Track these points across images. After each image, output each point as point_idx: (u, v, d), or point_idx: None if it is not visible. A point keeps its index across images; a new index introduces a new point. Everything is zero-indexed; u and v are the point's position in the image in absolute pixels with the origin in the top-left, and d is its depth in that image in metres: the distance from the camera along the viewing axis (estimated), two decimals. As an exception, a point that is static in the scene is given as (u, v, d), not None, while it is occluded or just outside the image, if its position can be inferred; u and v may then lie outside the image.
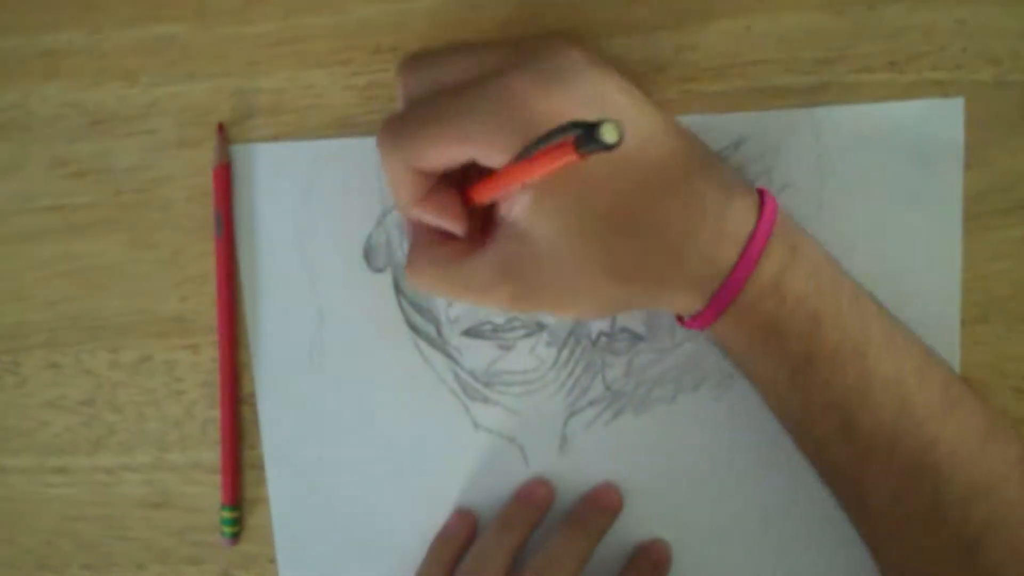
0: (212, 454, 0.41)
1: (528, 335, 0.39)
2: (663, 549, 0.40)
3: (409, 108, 0.33)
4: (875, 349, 0.32)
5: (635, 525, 0.40)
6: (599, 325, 0.39)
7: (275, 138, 0.38)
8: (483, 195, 0.32)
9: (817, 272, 0.33)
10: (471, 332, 0.39)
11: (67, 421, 0.41)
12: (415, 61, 0.33)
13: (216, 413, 0.41)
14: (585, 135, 0.24)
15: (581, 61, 0.31)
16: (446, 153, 0.31)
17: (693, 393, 0.39)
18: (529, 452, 0.40)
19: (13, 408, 0.42)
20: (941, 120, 0.37)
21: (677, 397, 0.39)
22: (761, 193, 0.33)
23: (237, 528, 0.41)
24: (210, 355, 0.40)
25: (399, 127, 0.32)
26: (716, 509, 0.40)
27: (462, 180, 0.33)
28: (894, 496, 0.33)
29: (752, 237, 0.31)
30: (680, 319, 0.35)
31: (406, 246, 0.39)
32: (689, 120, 0.37)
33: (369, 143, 0.38)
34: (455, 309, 0.39)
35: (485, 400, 0.40)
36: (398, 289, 0.39)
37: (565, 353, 0.39)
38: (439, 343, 0.40)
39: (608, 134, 0.24)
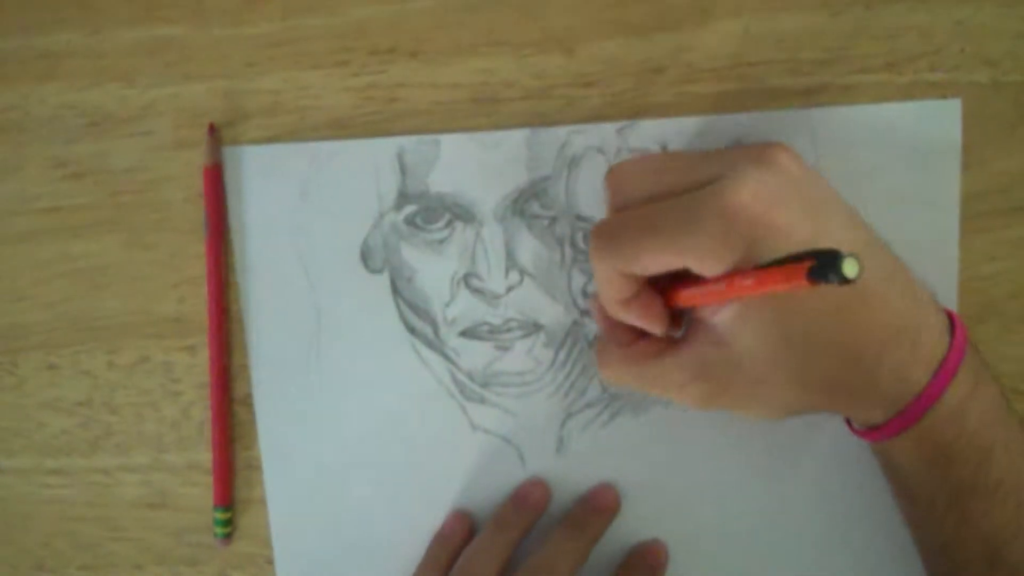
0: (209, 455, 0.41)
1: (526, 336, 0.39)
2: (660, 550, 0.40)
3: (623, 215, 0.33)
4: None
5: (632, 526, 0.40)
6: (596, 327, 0.39)
7: (273, 139, 0.39)
8: (691, 301, 0.33)
9: (995, 403, 0.33)
10: (468, 333, 0.39)
11: (64, 422, 0.41)
12: (626, 167, 0.34)
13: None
14: (821, 265, 0.24)
15: (798, 174, 0.31)
16: (661, 262, 0.31)
17: (691, 394, 0.39)
18: (526, 453, 0.40)
19: (10, 409, 0.42)
20: (939, 121, 0.37)
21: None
22: (951, 316, 0.33)
23: (229, 529, 0.41)
24: (207, 356, 0.40)
25: (613, 232, 0.32)
26: (713, 510, 0.40)
27: (662, 278, 0.33)
28: None
29: (944, 361, 0.32)
30: (850, 424, 0.35)
31: (405, 248, 0.39)
32: (687, 122, 0.37)
33: (367, 144, 0.38)
34: (452, 310, 0.39)
35: (482, 401, 0.40)
36: (395, 290, 0.39)
37: (563, 354, 0.39)
38: (436, 344, 0.40)
39: (849, 269, 0.24)
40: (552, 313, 0.39)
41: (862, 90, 0.37)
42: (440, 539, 0.40)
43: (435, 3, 0.37)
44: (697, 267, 0.31)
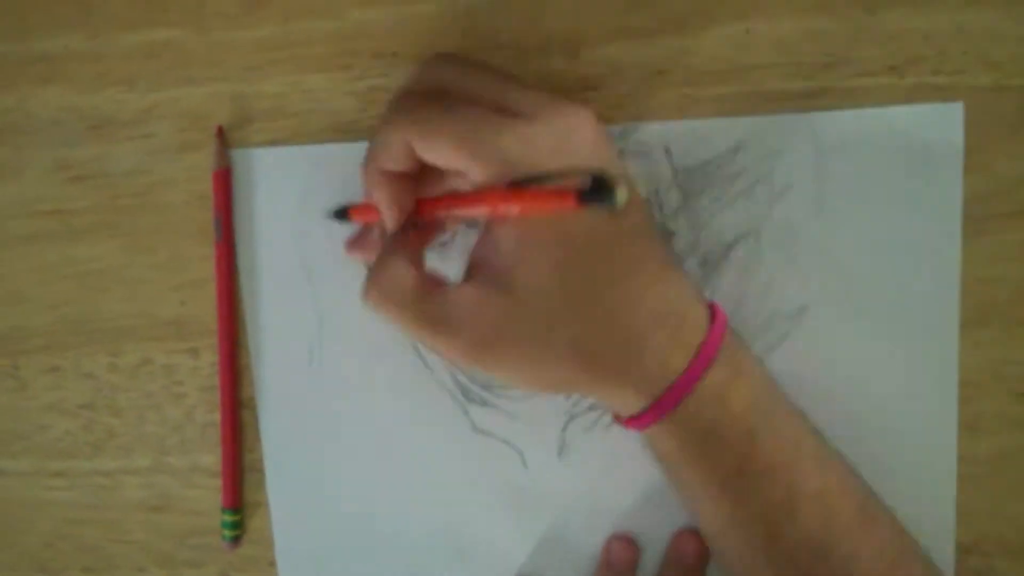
0: (212, 457, 0.41)
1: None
2: (697, 543, 0.39)
3: (429, 95, 0.32)
4: (805, 464, 0.33)
5: (634, 530, 0.40)
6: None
7: (274, 143, 0.38)
8: (451, 205, 0.32)
9: (757, 389, 0.34)
10: (471, 336, 0.39)
11: (67, 425, 0.41)
12: (450, 57, 0.34)
13: (216, 416, 0.41)
14: (593, 189, 0.25)
15: (592, 131, 0.32)
16: (450, 155, 0.31)
17: (692, 396, 0.39)
18: (528, 456, 0.40)
19: (13, 412, 0.42)
20: (941, 125, 0.37)
21: (676, 400, 0.39)
22: (713, 307, 0.34)
23: (238, 531, 0.41)
24: (209, 359, 0.40)
25: (421, 107, 0.32)
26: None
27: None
28: None
29: (702, 347, 0.32)
30: (617, 417, 0.35)
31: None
32: (689, 125, 0.37)
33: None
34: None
35: (484, 404, 0.40)
36: (398, 293, 0.39)
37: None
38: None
39: (620, 195, 0.25)
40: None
41: (864, 94, 0.37)
42: None
43: (437, 7, 0.37)
44: (473, 172, 0.31)
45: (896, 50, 0.37)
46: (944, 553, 0.38)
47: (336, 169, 0.38)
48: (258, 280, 0.40)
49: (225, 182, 0.39)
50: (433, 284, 0.33)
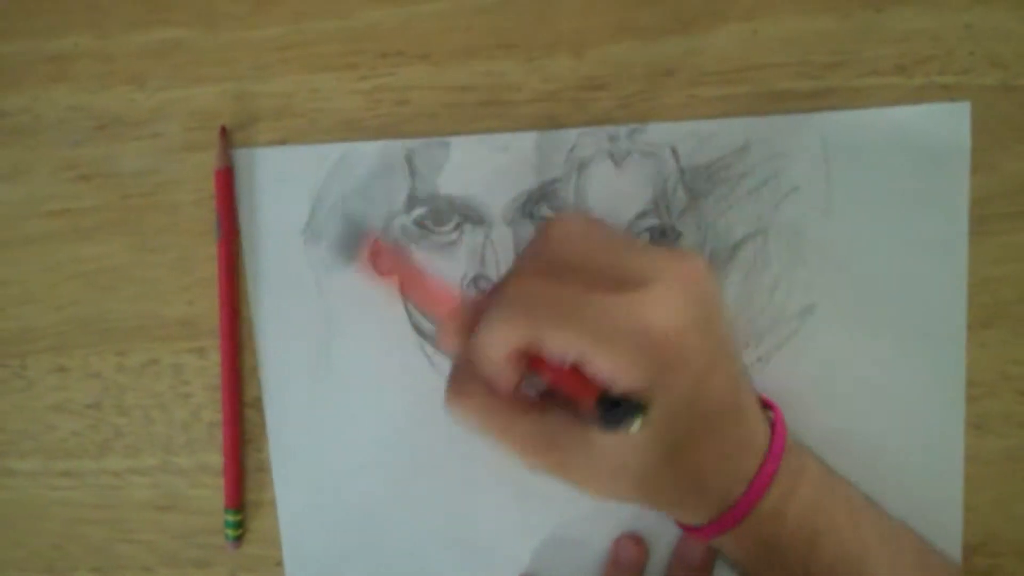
0: (219, 457, 0.41)
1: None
2: (703, 549, 0.39)
3: (545, 286, 0.31)
4: (872, 556, 0.34)
5: (639, 528, 0.40)
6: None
7: (282, 142, 0.39)
8: (549, 375, 0.32)
9: (818, 492, 0.34)
10: (478, 336, 0.39)
11: (74, 424, 0.41)
12: (571, 226, 0.33)
13: (222, 416, 0.41)
14: (611, 419, 0.28)
15: (711, 293, 0.32)
16: (564, 350, 0.30)
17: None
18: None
19: (20, 411, 0.42)
20: (948, 125, 0.37)
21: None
22: (774, 418, 0.34)
23: (240, 531, 0.41)
24: (216, 359, 0.40)
25: (530, 304, 0.31)
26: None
27: None
28: None
29: (763, 466, 0.33)
30: (680, 523, 0.36)
31: (415, 250, 0.39)
32: (696, 125, 0.37)
33: (376, 147, 0.38)
34: (462, 313, 0.39)
35: (491, 403, 0.40)
36: (404, 293, 0.39)
37: (571, 357, 0.39)
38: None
39: (632, 426, 0.28)
40: (560, 315, 0.39)
41: (871, 93, 0.37)
42: None
43: (444, 6, 0.37)
44: (599, 373, 0.30)
45: (904, 50, 0.37)
46: (951, 553, 0.38)
47: (342, 168, 0.38)
48: (264, 279, 0.40)
49: (227, 181, 0.39)
50: (514, 404, 0.33)
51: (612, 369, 0.30)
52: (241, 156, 0.39)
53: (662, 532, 0.40)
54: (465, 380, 0.33)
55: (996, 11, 0.36)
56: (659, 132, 0.37)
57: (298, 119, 0.38)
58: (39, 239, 0.40)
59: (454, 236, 0.39)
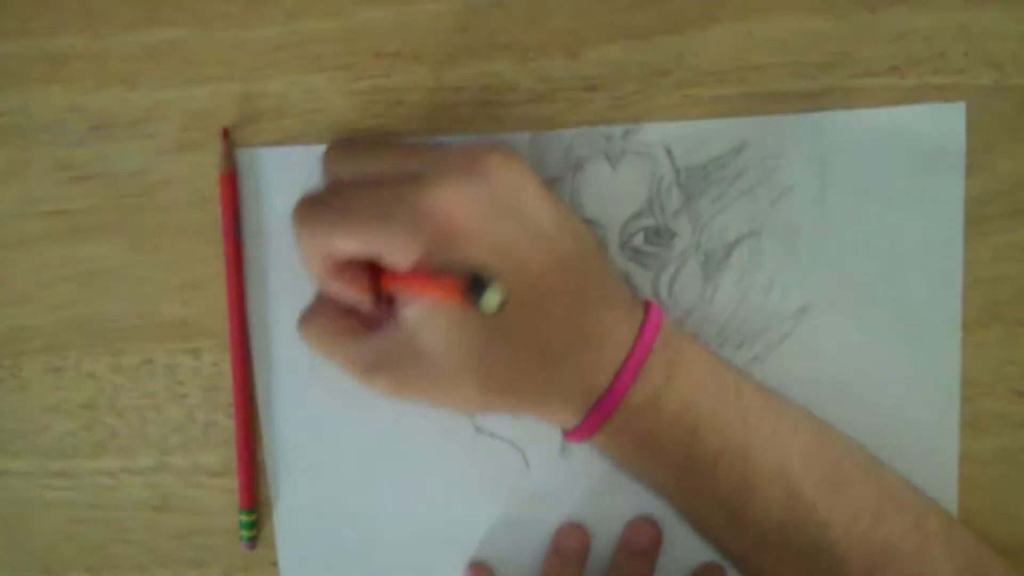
0: (214, 457, 0.41)
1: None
2: (653, 528, 0.40)
3: (328, 193, 0.34)
4: (759, 444, 0.33)
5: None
6: None
7: (276, 143, 0.38)
8: (387, 286, 0.33)
9: (697, 383, 0.34)
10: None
11: (69, 425, 0.41)
12: (340, 147, 0.35)
13: (218, 417, 0.41)
14: (473, 287, 0.25)
15: (506, 182, 0.32)
16: (354, 247, 0.32)
17: (694, 397, 0.39)
18: (530, 456, 0.40)
19: (15, 411, 0.42)
20: (942, 125, 0.37)
21: (678, 401, 0.39)
22: (647, 309, 0.34)
23: (255, 532, 0.41)
24: (211, 359, 0.40)
25: (314, 210, 0.33)
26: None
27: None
28: None
29: (628, 359, 0.32)
30: (564, 431, 0.36)
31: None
32: (690, 125, 0.37)
33: (370, 147, 0.38)
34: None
35: (486, 404, 0.40)
36: (399, 293, 0.39)
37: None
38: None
39: (489, 300, 0.25)
40: (555, 315, 0.39)
41: (866, 94, 0.37)
42: None
43: (439, 7, 0.37)
44: (384, 258, 0.32)
45: (897, 50, 0.37)
46: (946, 553, 0.38)
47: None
48: (260, 279, 0.40)
49: (231, 185, 0.38)
50: (357, 328, 0.35)
51: (389, 247, 0.31)
52: (239, 156, 0.39)
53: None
54: (313, 309, 0.36)
55: (990, 11, 0.36)
56: (654, 132, 0.37)
57: (292, 120, 0.38)
58: (33, 239, 0.40)
59: None
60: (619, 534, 0.40)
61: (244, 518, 0.41)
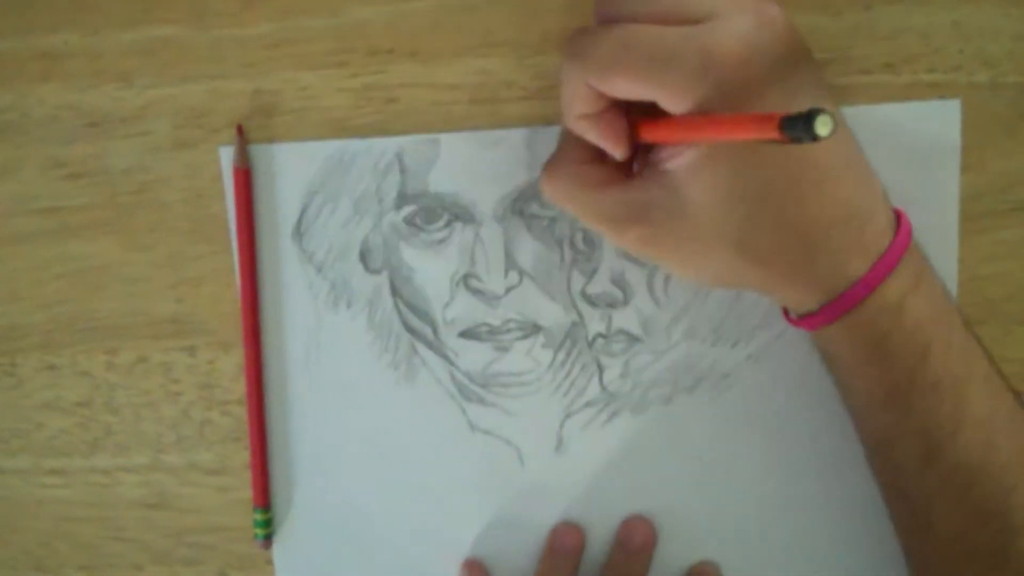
0: (209, 455, 0.41)
1: (525, 337, 0.39)
2: (647, 528, 0.40)
3: (605, 27, 0.31)
4: (976, 386, 0.32)
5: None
6: (595, 327, 0.39)
7: (271, 140, 0.38)
8: (654, 136, 0.32)
9: (937, 301, 0.33)
10: (467, 334, 0.39)
11: (63, 422, 0.41)
12: None
13: (213, 415, 0.41)
14: (796, 120, 0.23)
15: (786, 34, 0.30)
16: (631, 88, 0.30)
17: (689, 394, 0.39)
18: (525, 454, 0.40)
19: (9, 409, 0.42)
20: (938, 122, 0.37)
21: (674, 398, 0.39)
22: (898, 213, 0.33)
23: (270, 530, 0.41)
24: (206, 357, 0.40)
25: (592, 45, 0.31)
26: (712, 509, 0.40)
27: (630, 108, 0.32)
28: (960, 533, 0.33)
29: (885, 254, 0.31)
30: (786, 313, 0.35)
31: (405, 248, 0.39)
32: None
33: (366, 144, 0.38)
34: (451, 311, 0.39)
35: (481, 402, 0.40)
36: (394, 290, 0.39)
37: (562, 355, 0.39)
38: (435, 345, 0.40)
39: (822, 127, 0.23)
40: (551, 314, 0.39)
41: (861, 91, 0.37)
42: None
43: (434, 4, 0.37)
44: (665, 102, 0.30)
45: (893, 48, 0.37)
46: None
47: (333, 165, 0.38)
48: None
49: (245, 181, 0.38)
50: (607, 178, 0.33)
51: (670, 93, 0.29)
52: (231, 154, 0.39)
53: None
54: (557, 161, 0.34)
55: (984, 9, 0.36)
56: (649, 129, 0.37)
57: (287, 117, 0.38)
58: (28, 237, 0.40)
59: (444, 234, 0.39)
60: (614, 532, 0.40)
61: (259, 516, 0.41)
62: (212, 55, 0.38)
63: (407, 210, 0.39)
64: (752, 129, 0.26)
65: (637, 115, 0.32)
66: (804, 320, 0.33)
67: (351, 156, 0.38)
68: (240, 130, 0.38)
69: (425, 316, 0.39)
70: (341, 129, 0.38)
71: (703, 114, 0.29)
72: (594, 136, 0.32)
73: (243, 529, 0.41)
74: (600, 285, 0.39)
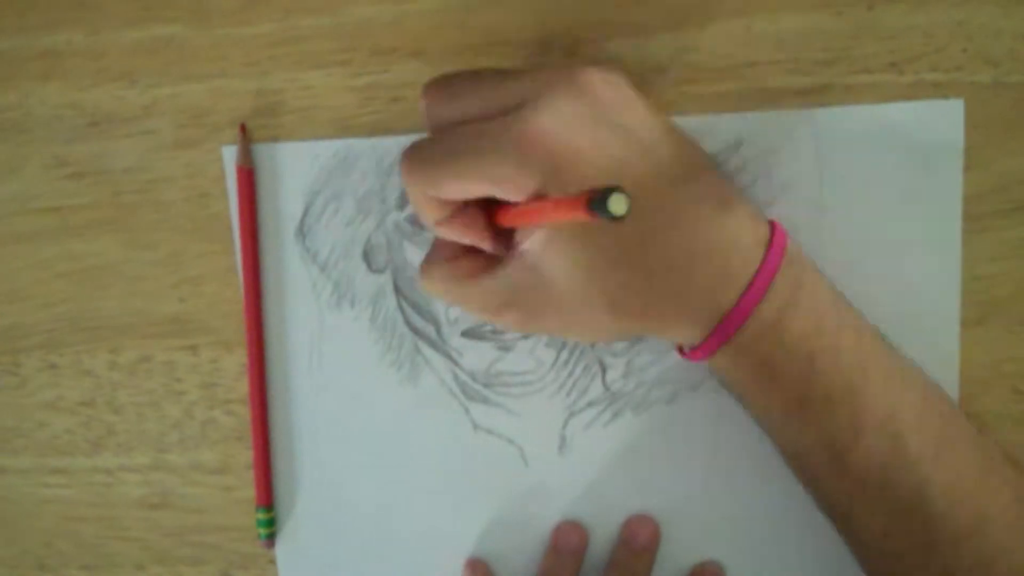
0: (211, 455, 0.41)
1: (528, 336, 0.39)
2: (652, 527, 0.40)
3: (432, 137, 0.33)
4: (872, 388, 0.33)
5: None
6: None
7: (274, 139, 0.38)
8: (507, 221, 0.32)
9: (819, 311, 0.33)
10: (470, 333, 0.39)
11: (66, 422, 0.41)
12: (438, 86, 0.33)
13: (215, 414, 0.41)
14: (597, 199, 0.24)
15: (609, 97, 0.31)
16: (465, 188, 0.31)
17: (692, 393, 0.39)
18: (528, 453, 0.40)
19: (12, 409, 0.42)
20: (941, 122, 0.37)
21: (676, 397, 0.39)
22: (772, 226, 0.33)
23: (273, 529, 0.41)
24: (209, 356, 0.40)
25: (421, 156, 0.32)
26: (715, 509, 0.40)
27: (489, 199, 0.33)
28: (885, 532, 0.33)
29: (754, 279, 0.31)
30: (680, 349, 0.35)
31: (408, 247, 0.39)
32: (688, 121, 0.37)
33: (370, 143, 0.38)
34: (455, 310, 0.39)
35: (485, 401, 0.40)
36: (398, 290, 0.39)
37: (564, 354, 0.39)
38: (439, 344, 0.40)
39: (616, 206, 0.23)
40: (553, 313, 0.39)
41: (864, 90, 0.37)
42: None
43: (437, 3, 0.37)
44: (500, 194, 0.30)
45: (896, 47, 0.36)
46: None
47: (336, 164, 0.38)
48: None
49: (248, 180, 0.38)
50: (477, 268, 0.34)
51: (501, 182, 0.30)
52: (234, 154, 0.39)
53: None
54: (431, 258, 0.35)
55: (988, 8, 0.36)
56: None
57: (290, 116, 0.38)
58: (30, 237, 0.40)
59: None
60: (617, 531, 0.40)
61: (262, 516, 0.41)
62: (214, 54, 0.38)
63: (410, 209, 0.39)
64: (565, 213, 0.26)
65: (495, 202, 0.33)
66: (692, 352, 0.34)
67: (354, 155, 0.38)
68: (243, 129, 0.38)
69: (428, 315, 0.39)
70: (344, 128, 0.38)
71: (530, 200, 0.30)
72: (456, 237, 0.33)
73: (246, 529, 0.42)
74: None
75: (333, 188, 0.39)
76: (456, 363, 0.40)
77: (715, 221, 0.32)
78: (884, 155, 0.37)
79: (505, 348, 0.39)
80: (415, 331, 0.40)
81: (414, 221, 0.39)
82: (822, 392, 0.32)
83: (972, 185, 0.37)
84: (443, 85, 0.33)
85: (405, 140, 0.38)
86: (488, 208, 0.33)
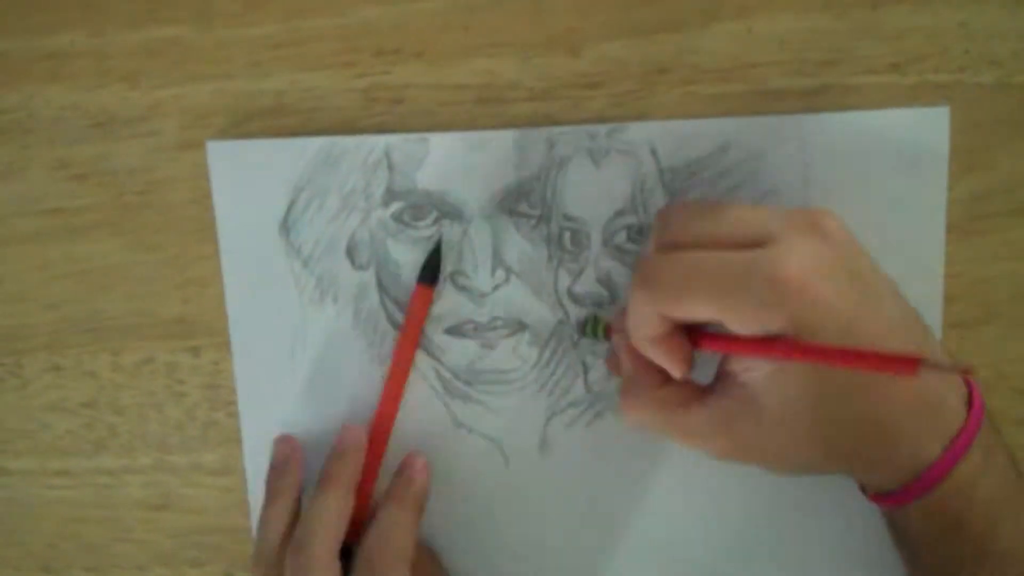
0: (213, 456, 0.41)
1: (510, 335, 0.39)
2: (420, 463, 0.39)
3: (669, 256, 0.33)
4: None
5: (614, 525, 0.40)
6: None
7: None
8: (717, 348, 0.33)
9: (1004, 477, 0.33)
10: (453, 330, 0.39)
11: (69, 423, 0.41)
12: (677, 209, 0.34)
13: (218, 415, 0.41)
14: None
15: (845, 244, 0.32)
16: (702, 313, 0.31)
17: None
18: (509, 452, 0.40)
19: (15, 410, 0.42)
20: (927, 128, 0.37)
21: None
22: (970, 389, 0.33)
23: None
24: (211, 358, 0.40)
25: (658, 273, 0.32)
26: (695, 510, 0.40)
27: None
28: None
29: (958, 436, 0.32)
30: (863, 489, 0.35)
31: (392, 244, 0.39)
32: (676, 125, 0.37)
33: (355, 141, 0.38)
34: (438, 307, 0.39)
35: (466, 399, 0.40)
36: (381, 286, 0.39)
37: (547, 353, 0.39)
38: (421, 341, 0.39)
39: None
40: (537, 312, 0.39)
41: (866, 92, 0.37)
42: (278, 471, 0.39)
43: (440, 4, 0.37)
44: (735, 326, 0.31)
45: (899, 48, 0.37)
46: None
47: (321, 161, 0.38)
48: (240, 273, 0.39)
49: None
50: (687, 397, 0.34)
51: (741, 316, 0.31)
52: (221, 149, 0.38)
53: (636, 527, 0.40)
54: (632, 387, 0.35)
55: (991, 9, 0.36)
56: (639, 131, 0.37)
57: (293, 117, 0.38)
58: (33, 237, 0.40)
59: (432, 231, 0.39)
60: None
61: None
62: (218, 56, 0.38)
63: (395, 206, 0.39)
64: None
65: (693, 326, 0.33)
66: (881, 498, 0.34)
67: (339, 152, 0.38)
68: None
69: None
70: (347, 129, 0.38)
71: (777, 337, 0.30)
72: (658, 356, 0.34)
73: (247, 530, 0.41)
74: (586, 284, 0.39)
75: (318, 184, 0.39)
76: (438, 360, 0.40)
77: (927, 378, 0.32)
78: (870, 161, 0.37)
79: (488, 346, 0.39)
80: (398, 328, 0.39)
81: (398, 218, 0.39)
82: (1000, 551, 0.32)
83: (974, 186, 0.37)
84: (682, 208, 0.34)
85: (391, 138, 0.38)
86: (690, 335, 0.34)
